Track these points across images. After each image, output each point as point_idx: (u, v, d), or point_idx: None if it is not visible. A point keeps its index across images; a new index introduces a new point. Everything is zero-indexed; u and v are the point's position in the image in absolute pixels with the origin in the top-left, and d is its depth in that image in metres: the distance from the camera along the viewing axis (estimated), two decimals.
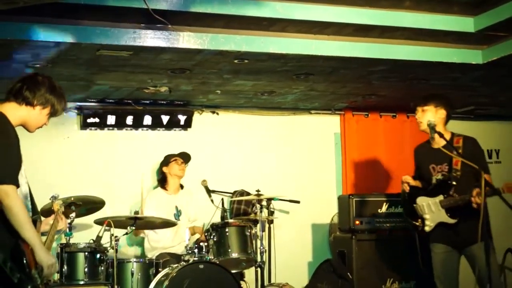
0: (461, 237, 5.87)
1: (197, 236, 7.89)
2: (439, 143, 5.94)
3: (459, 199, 5.80)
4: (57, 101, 4.37)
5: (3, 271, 3.89)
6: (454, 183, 5.82)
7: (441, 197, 5.95)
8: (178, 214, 7.79)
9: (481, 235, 5.28)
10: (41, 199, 6.94)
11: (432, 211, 6.00)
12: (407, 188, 6.21)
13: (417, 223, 6.14)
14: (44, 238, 4.51)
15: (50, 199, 5.58)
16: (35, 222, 4.29)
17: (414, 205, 6.14)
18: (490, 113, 9.79)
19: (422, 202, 6.09)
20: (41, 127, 4.44)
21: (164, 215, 7.43)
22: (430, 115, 5.98)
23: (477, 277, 5.73)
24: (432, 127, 5.75)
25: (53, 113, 4.40)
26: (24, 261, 3.95)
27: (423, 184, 6.22)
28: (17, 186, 4.02)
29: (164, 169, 8.03)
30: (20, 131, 4.23)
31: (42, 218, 4.63)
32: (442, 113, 6.05)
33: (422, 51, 6.69)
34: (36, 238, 4.02)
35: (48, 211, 5.54)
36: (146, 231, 7.71)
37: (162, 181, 8.08)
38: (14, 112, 4.24)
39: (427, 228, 6.05)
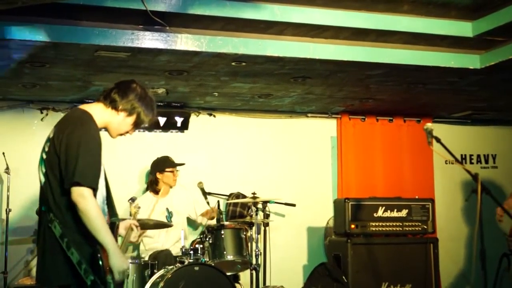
0: None
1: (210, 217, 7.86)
2: None
3: None
4: (144, 111, 4.26)
5: (77, 272, 3.89)
6: None
7: None
8: (169, 216, 7.74)
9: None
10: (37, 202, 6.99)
11: None
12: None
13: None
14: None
15: (128, 201, 5.53)
16: (113, 224, 4.26)
17: None
18: (487, 118, 9.81)
19: None
20: (123, 135, 4.34)
21: (155, 219, 7.40)
22: None
23: None
24: (429, 132, 5.68)
25: (138, 123, 4.29)
26: (100, 265, 3.90)
27: None
28: (95, 189, 3.96)
29: (158, 175, 7.95)
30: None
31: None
32: None
33: (419, 55, 6.69)
34: (111, 242, 3.94)
35: None
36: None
37: (153, 184, 7.98)
38: (100, 113, 4.18)
39: None
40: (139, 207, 5.23)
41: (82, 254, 3.91)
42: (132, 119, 4.26)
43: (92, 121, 4.10)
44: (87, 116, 4.11)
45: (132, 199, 5.52)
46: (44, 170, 4.09)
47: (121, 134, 4.35)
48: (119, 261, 3.96)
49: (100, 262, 3.91)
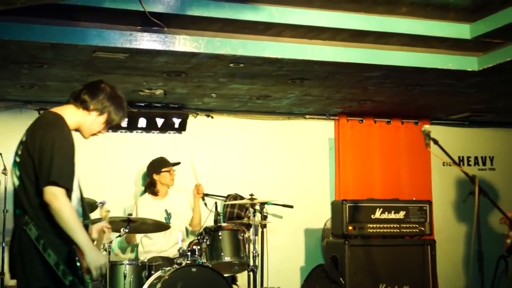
0: None
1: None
2: None
3: None
4: (114, 110, 4.35)
5: (55, 273, 3.92)
6: None
7: None
8: (168, 217, 7.75)
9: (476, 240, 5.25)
10: None
11: None
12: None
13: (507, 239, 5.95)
14: None
15: (97, 204, 5.52)
16: (86, 227, 4.27)
17: None
18: (485, 120, 9.82)
19: None
20: (96, 135, 4.42)
21: None
22: None
23: None
24: (426, 134, 5.68)
25: (109, 122, 4.37)
26: (78, 265, 3.94)
27: None
28: (69, 189, 4.01)
29: (155, 176, 7.96)
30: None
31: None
32: None
33: (417, 57, 6.69)
34: (86, 240, 3.99)
35: None
36: (138, 236, 7.69)
37: (151, 187, 7.99)
38: (71, 115, 4.25)
39: (508, 241, 5.84)
40: (108, 211, 5.25)
41: (60, 255, 3.95)
42: (103, 118, 4.34)
43: (64, 123, 4.17)
44: (59, 118, 4.18)
45: (102, 203, 5.54)
46: (18, 173, 4.13)
47: (93, 134, 4.43)
48: (95, 257, 4.01)
49: (78, 263, 3.95)
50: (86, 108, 4.27)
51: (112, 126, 4.45)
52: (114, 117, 4.37)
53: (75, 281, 3.91)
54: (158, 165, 7.97)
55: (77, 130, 4.32)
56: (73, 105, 4.30)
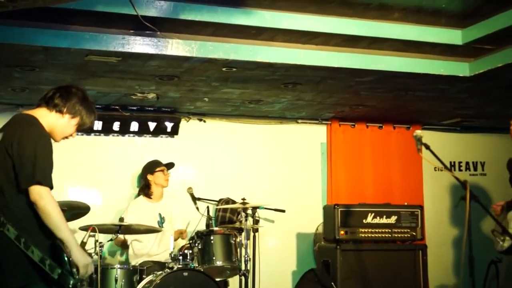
0: None
1: (181, 241, 7.85)
2: None
3: None
4: (86, 113, 4.41)
5: (42, 269, 3.90)
6: None
7: None
8: (161, 221, 7.77)
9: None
10: None
11: None
12: (497, 211, 6.08)
13: (499, 240, 5.99)
14: None
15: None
16: None
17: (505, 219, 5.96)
18: (476, 125, 9.84)
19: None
20: (67, 137, 4.44)
21: (147, 223, 7.38)
22: None
23: None
24: (418, 139, 5.70)
25: (81, 125, 4.42)
26: (65, 258, 3.96)
27: None
28: (51, 188, 4.02)
29: (149, 177, 7.98)
30: None
31: None
32: None
33: (409, 63, 6.71)
34: (72, 238, 4.02)
35: None
36: (129, 238, 7.67)
37: (146, 188, 8.00)
38: (44, 118, 4.27)
39: (505, 244, 5.90)
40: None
41: (44, 250, 3.94)
42: (76, 121, 4.39)
43: (40, 124, 4.21)
44: (35, 119, 4.22)
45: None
46: None
47: (65, 137, 4.45)
48: (81, 256, 4.04)
49: (64, 255, 3.96)
50: (59, 111, 4.32)
51: (82, 129, 4.53)
52: (86, 120, 4.43)
53: (64, 273, 3.92)
54: (152, 165, 8.01)
55: (49, 132, 4.33)
56: (45, 108, 4.33)
